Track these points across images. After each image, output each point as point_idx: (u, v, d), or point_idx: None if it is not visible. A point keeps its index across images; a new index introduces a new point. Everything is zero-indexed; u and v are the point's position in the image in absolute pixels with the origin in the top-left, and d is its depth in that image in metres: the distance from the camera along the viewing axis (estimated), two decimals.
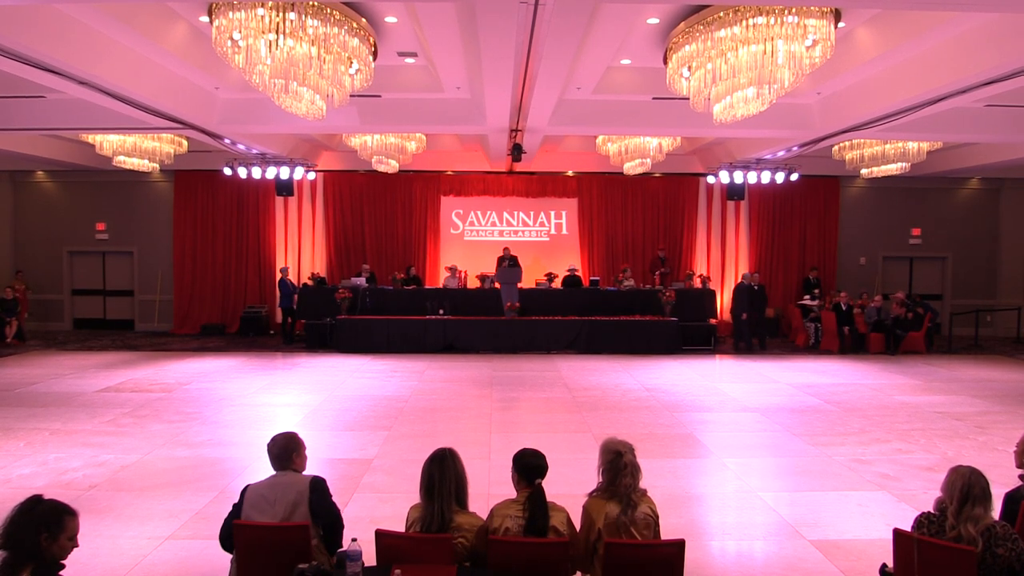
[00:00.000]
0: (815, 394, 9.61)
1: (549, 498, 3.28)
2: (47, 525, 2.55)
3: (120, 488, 5.66)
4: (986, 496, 3.05)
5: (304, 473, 3.46)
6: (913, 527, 3.19)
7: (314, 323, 13.89)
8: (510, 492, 3.39)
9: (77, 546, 2.66)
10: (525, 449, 3.40)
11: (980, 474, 3.09)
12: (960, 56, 7.30)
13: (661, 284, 15.06)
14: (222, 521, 3.34)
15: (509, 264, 14.25)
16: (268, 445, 3.47)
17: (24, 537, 2.52)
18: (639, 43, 8.60)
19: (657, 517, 3.33)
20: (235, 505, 3.38)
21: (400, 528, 3.33)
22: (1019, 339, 15.82)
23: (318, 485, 3.35)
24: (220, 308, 16.24)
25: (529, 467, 3.31)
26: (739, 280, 14.73)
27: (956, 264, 16.89)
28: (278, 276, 15.15)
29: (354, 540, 2.98)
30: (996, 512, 3.23)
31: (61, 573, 2.62)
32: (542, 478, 3.29)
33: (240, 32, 6.44)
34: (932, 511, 3.18)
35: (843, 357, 13.22)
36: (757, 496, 5.62)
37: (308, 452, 3.56)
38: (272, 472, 3.44)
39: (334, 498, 3.44)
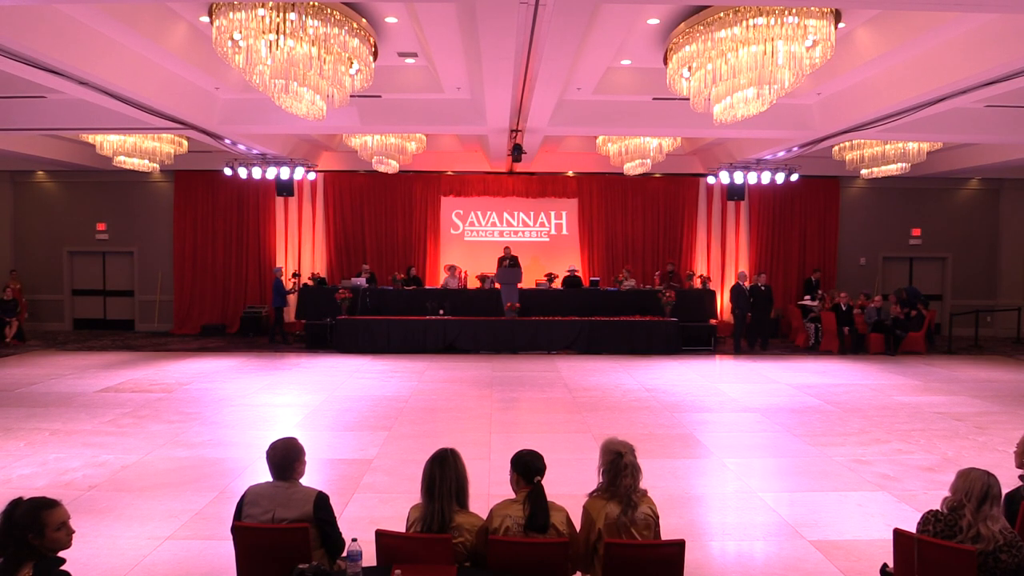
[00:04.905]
0: (815, 394, 9.61)
1: (549, 498, 3.29)
2: (28, 526, 2.57)
3: (120, 488, 5.66)
4: (1000, 497, 3.07)
5: (305, 485, 3.38)
6: (919, 525, 3.18)
7: (314, 323, 13.90)
8: (510, 493, 3.40)
9: (73, 532, 2.69)
10: (522, 450, 3.41)
11: (995, 476, 3.10)
12: (960, 56, 7.30)
13: (662, 284, 15.05)
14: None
15: (509, 264, 14.25)
16: (267, 453, 3.37)
17: (14, 540, 2.56)
18: (639, 43, 8.60)
19: (657, 517, 3.33)
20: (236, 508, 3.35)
21: (400, 528, 3.33)
22: (1019, 339, 15.82)
23: (322, 503, 3.30)
24: (220, 308, 16.24)
25: (528, 466, 3.31)
26: (736, 281, 14.73)
27: (956, 264, 16.89)
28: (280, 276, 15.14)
29: (354, 540, 2.98)
30: None
31: (62, 568, 2.62)
32: (541, 476, 3.30)
33: (240, 32, 6.44)
34: (941, 510, 3.16)
35: (843, 357, 13.22)
36: (757, 496, 5.62)
37: (309, 453, 3.51)
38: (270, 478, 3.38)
39: (333, 499, 3.42)
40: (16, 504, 2.62)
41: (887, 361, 12.79)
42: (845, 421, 8.13)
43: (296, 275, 15.50)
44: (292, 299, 15.15)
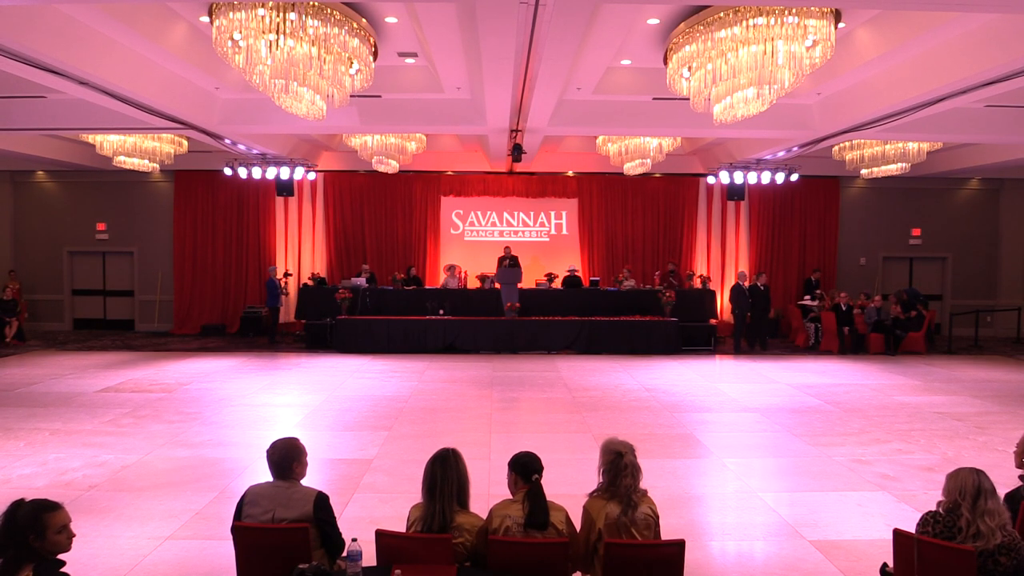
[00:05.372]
0: (815, 394, 9.61)
1: (548, 498, 3.29)
2: (30, 527, 2.56)
3: (120, 488, 5.66)
4: (995, 491, 3.06)
5: (306, 485, 3.38)
6: (918, 527, 3.18)
7: (314, 323, 13.89)
8: (510, 493, 3.40)
9: (74, 535, 2.67)
10: (519, 452, 3.43)
11: (984, 472, 3.10)
12: (960, 56, 7.31)
13: (662, 283, 15.06)
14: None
15: (509, 264, 14.25)
16: (268, 452, 3.38)
17: (15, 542, 2.55)
18: (639, 43, 8.60)
19: (657, 517, 3.34)
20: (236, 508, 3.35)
21: (400, 528, 3.33)
22: (1019, 339, 15.82)
23: (322, 503, 3.29)
24: (220, 308, 16.24)
25: (527, 466, 3.33)
26: (736, 281, 14.73)
27: (956, 264, 16.89)
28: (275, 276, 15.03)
29: (354, 540, 2.98)
30: None
31: (62, 571, 2.62)
32: (539, 475, 3.31)
33: (240, 32, 6.44)
34: (939, 511, 3.16)
35: (843, 357, 13.22)
36: (757, 496, 5.62)
37: (309, 453, 3.49)
38: (271, 478, 3.38)
39: (333, 499, 3.42)
40: (18, 505, 2.61)
41: (887, 361, 12.79)
42: (845, 421, 8.13)
43: (287, 274, 15.34)
44: (288, 299, 15.13)
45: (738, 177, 14.32)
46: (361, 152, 12.86)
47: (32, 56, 6.81)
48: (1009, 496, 3.64)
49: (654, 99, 10.27)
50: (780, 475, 6.29)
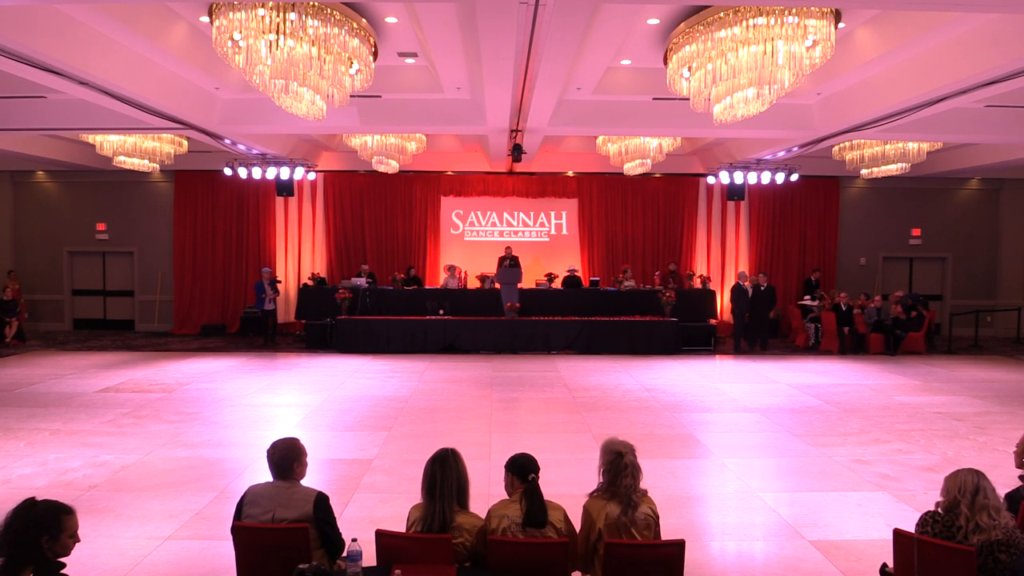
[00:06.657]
0: (815, 394, 9.61)
1: (548, 498, 3.29)
2: (46, 528, 2.52)
3: (120, 488, 5.66)
4: (995, 490, 3.06)
5: (306, 485, 3.38)
6: (917, 526, 3.18)
7: (314, 323, 13.89)
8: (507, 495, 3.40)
9: (79, 541, 2.65)
10: (515, 454, 3.44)
11: (982, 472, 3.11)
12: (960, 56, 7.31)
13: (662, 284, 15.06)
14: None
15: (509, 264, 14.25)
16: (268, 452, 3.38)
17: (24, 542, 2.49)
18: (639, 43, 8.60)
19: (657, 517, 3.34)
20: (236, 508, 3.35)
21: (400, 528, 3.33)
22: (1019, 339, 15.82)
23: (322, 503, 3.29)
24: (220, 308, 16.24)
25: (523, 467, 3.34)
26: (736, 281, 14.73)
27: (956, 264, 16.89)
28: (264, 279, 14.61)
29: (354, 540, 2.98)
30: None
31: (62, 572, 2.61)
32: (536, 474, 3.31)
33: (240, 32, 6.44)
34: (937, 511, 3.16)
35: (843, 357, 13.22)
36: (757, 496, 5.62)
37: (309, 453, 3.49)
38: (271, 478, 3.38)
39: (333, 499, 3.42)
40: (32, 505, 2.56)
41: (887, 361, 12.79)
42: (845, 421, 8.13)
43: (276, 281, 14.82)
44: (284, 301, 15.08)
45: (738, 177, 14.32)
46: (361, 152, 12.86)
47: (32, 56, 6.80)
48: (1009, 496, 3.64)
49: (654, 99, 10.27)
50: (780, 475, 6.29)
